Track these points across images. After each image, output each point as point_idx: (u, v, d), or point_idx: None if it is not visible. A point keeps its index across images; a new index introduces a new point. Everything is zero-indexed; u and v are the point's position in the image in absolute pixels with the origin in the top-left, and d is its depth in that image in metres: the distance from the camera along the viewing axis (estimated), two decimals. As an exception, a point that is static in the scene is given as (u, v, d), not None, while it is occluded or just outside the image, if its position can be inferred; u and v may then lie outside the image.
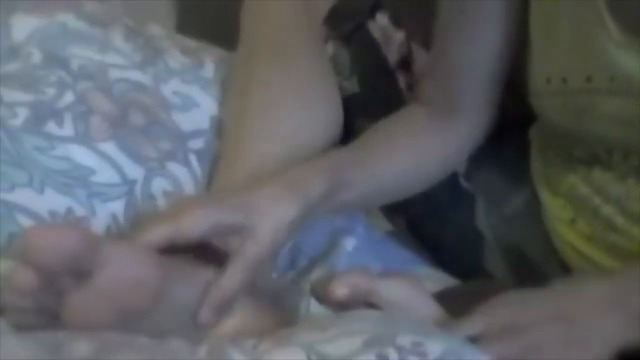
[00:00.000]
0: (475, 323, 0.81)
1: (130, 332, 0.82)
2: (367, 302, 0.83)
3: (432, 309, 0.84)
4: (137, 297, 0.83)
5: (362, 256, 1.03)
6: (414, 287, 0.85)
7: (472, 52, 1.01)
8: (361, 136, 1.03)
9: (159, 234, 0.86)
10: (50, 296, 0.81)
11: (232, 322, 0.88)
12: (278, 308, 0.96)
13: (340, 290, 0.83)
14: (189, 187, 1.05)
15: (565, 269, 1.04)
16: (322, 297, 0.85)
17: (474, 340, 0.79)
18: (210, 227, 0.87)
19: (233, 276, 0.87)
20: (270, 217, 0.89)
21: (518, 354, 0.79)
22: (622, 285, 0.83)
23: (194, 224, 0.86)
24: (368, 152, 1.01)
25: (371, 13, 1.14)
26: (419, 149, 1.04)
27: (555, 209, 1.04)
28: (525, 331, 0.80)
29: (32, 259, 0.79)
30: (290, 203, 0.90)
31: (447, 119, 1.04)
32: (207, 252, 0.89)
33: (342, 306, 0.83)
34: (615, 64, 0.89)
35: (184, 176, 1.05)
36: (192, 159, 1.08)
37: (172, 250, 0.87)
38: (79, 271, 0.80)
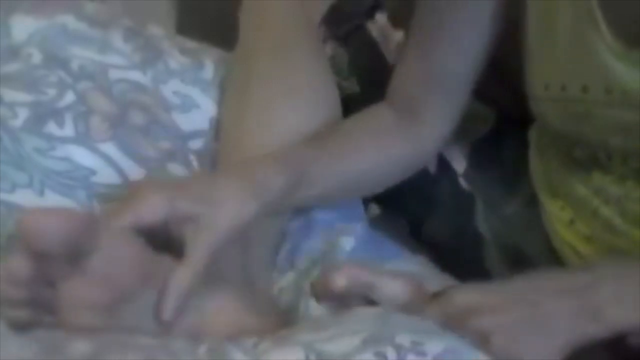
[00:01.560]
0: (434, 309, 0.81)
1: (126, 321, 0.82)
2: (366, 299, 0.83)
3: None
4: (132, 278, 0.83)
5: (361, 256, 1.03)
6: (414, 287, 0.85)
7: (443, 56, 1.01)
8: (326, 131, 1.03)
9: (123, 222, 0.85)
10: (44, 287, 0.81)
11: (228, 319, 0.88)
12: (277, 308, 0.96)
13: (339, 281, 0.83)
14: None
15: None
16: (321, 290, 0.85)
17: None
18: (167, 214, 0.85)
19: (187, 270, 0.85)
20: (227, 211, 0.87)
21: (473, 339, 0.78)
22: (585, 279, 0.81)
23: (153, 210, 0.85)
24: (331, 148, 1.01)
25: (370, 13, 1.14)
26: (383, 147, 1.04)
27: (554, 209, 1.04)
28: (481, 316, 0.79)
29: (31, 243, 0.79)
30: (248, 199, 0.89)
31: (412, 119, 1.04)
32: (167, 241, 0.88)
33: (340, 300, 0.84)
34: (612, 75, 0.88)
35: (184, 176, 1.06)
36: (192, 159, 1.08)
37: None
38: (75, 254, 0.80)
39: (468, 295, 0.81)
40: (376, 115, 1.06)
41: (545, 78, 0.95)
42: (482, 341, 0.78)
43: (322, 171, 0.98)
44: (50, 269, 0.81)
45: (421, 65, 1.03)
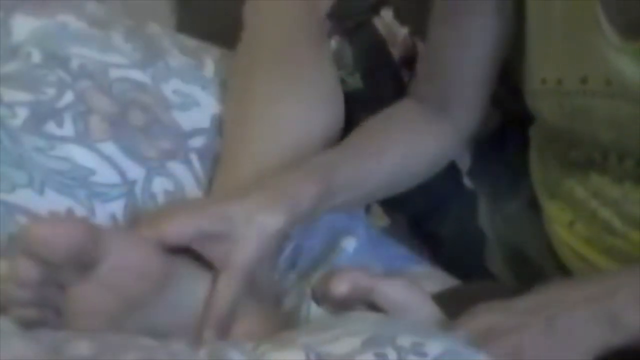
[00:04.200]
0: (458, 329, 0.81)
1: (131, 327, 0.83)
2: (367, 302, 0.83)
3: (431, 312, 0.84)
4: (140, 287, 0.83)
5: (363, 257, 1.03)
6: (415, 289, 0.85)
7: (462, 53, 1.02)
8: (352, 133, 1.03)
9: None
10: (52, 289, 0.82)
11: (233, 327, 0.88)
12: (279, 309, 0.96)
13: (341, 287, 0.83)
14: (190, 186, 1.05)
15: (564, 270, 1.04)
16: (322, 296, 0.85)
17: None
18: (191, 235, 0.87)
19: (225, 291, 0.87)
20: (255, 227, 0.88)
21: (501, 357, 0.78)
22: (601, 287, 0.82)
23: (176, 232, 0.86)
24: (359, 151, 1.01)
25: (375, 9, 1.14)
26: (411, 145, 1.04)
27: (554, 211, 1.04)
28: (506, 333, 0.79)
29: (36, 252, 0.79)
30: (277, 213, 0.90)
31: (438, 115, 1.04)
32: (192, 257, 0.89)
33: (341, 305, 0.83)
34: (611, 67, 0.89)
35: (185, 175, 1.05)
36: (193, 158, 1.08)
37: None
38: (82, 263, 0.81)
39: (489, 316, 0.81)
40: (402, 112, 1.06)
41: (542, 72, 0.95)
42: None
43: (351, 176, 0.98)
44: (58, 273, 0.81)
45: (442, 59, 1.03)
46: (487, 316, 0.81)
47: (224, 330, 0.87)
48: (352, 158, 1.00)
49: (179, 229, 0.86)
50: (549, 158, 1.04)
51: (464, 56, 1.02)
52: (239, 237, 0.87)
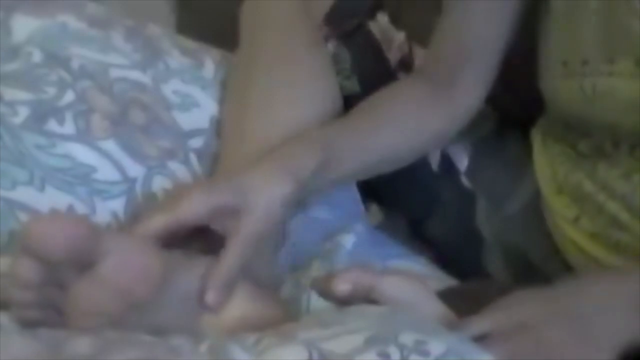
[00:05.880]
0: (484, 322, 0.81)
1: (133, 324, 0.82)
2: (369, 299, 0.83)
3: (435, 307, 0.84)
4: (140, 286, 0.83)
5: (361, 254, 1.04)
6: (417, 284, 0.85)
7: (476, 26, 1.02)
8: (357, 106, 1.04)
9: (158, 223, 0.87)
10: (53, 289, 0.81)
11: (234, 310, 0.88)
12: (280, 299, 0.96)
13: (342, 286, 0.83)
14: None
15: (566, 269, 1.04)
16: (323, 293, 0.85)
17: (481, 339, 0.79)
18: (207, 211, 0.88)
19: (232, 255, 0.87)
20: (263, 194, 0.89)
21: (528, 352, 0.78)
22: (627, 279, 0.82)
23: (191, 210, 0.87)
24: (362, 123, 1.02)
25: (371, 13, 1.14)
26: (416, 117, 1.04)
27: (559, 207, 1.04)
28: (534, 329, 0.79)
29: (36, 250, 0.79)
30: (282, 180, 0.91)
31: (443, 92, 1.05)
32: (205, 242, 0.90)
33: (343, 302, 0.84)
34: None
35: (184, 175, 1.06)
36: (192, 158, 1.08)
37: (171, 242, 0.88)
38: (82, 262, 0.81)
39: (520, 309, 0.81)
40: (409, 86, 1.06)
41: (564, 55, 0.96)
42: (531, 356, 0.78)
43: (353, 146, 0.99)
44: (59, 273, 0.81)
45: (455, 35, 1.04)
46: (513, 309, 0.81)
47: (224, 294, 0.87)
48: (352, 130, 1.01)
49: (195, 208, 0.87)
50: (555, 154, 1.04)
51: (475, 35, 1.02)
52: (248, 206, 0.88)
